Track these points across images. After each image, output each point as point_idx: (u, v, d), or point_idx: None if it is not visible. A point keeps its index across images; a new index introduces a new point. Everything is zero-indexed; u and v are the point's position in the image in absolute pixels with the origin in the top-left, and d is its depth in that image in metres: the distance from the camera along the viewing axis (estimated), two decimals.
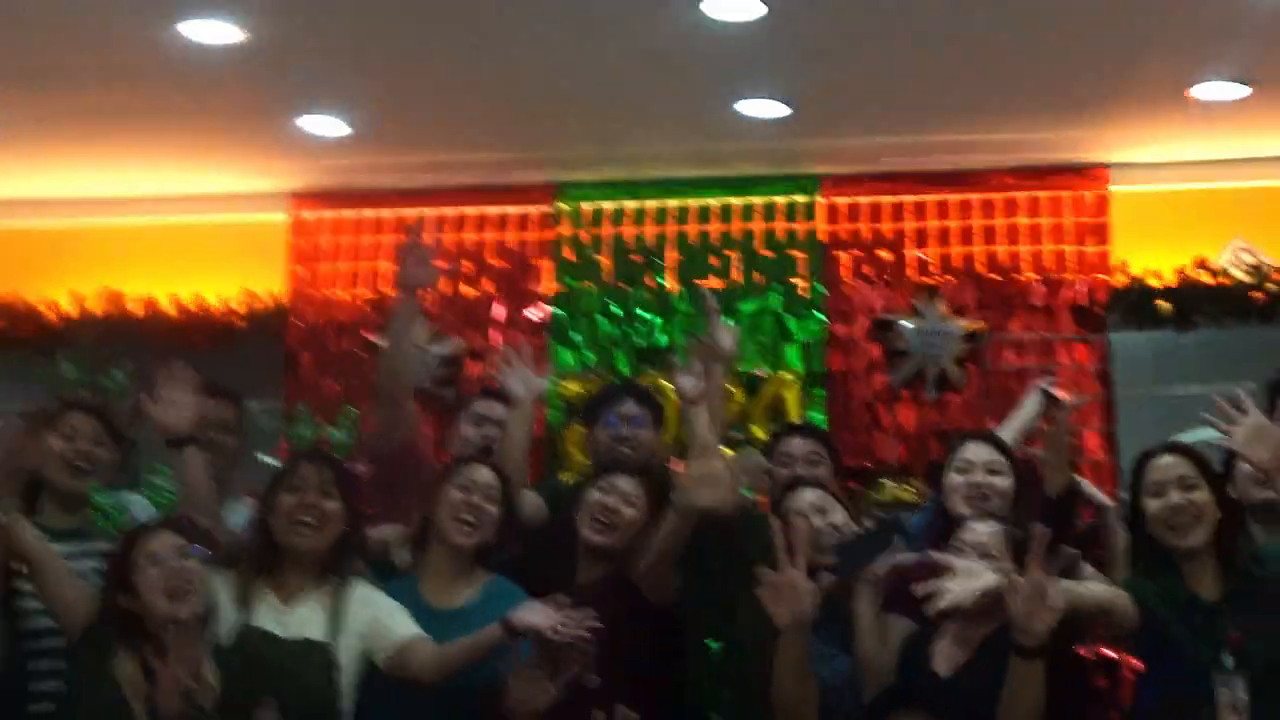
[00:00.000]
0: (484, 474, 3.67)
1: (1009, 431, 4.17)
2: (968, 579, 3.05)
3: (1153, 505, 3.29)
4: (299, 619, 3.37)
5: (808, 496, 3.65)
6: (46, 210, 6.27)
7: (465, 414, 4.47)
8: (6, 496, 3.49)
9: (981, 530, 3.30)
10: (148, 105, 5.25)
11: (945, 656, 3.24)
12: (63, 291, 6.23)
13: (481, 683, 3.31)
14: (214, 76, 4.86)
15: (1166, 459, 3.32)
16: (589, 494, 3.75)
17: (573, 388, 6.03)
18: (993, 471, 3.71)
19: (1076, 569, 3.37)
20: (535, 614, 3.22)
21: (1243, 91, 5.07)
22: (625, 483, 3.78)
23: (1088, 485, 4.22)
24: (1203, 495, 3.25)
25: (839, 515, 3.63)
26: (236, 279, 6.19)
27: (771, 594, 3.18)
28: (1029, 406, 4.30)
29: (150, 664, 3.11)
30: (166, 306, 6.19)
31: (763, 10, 4.32)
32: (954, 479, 3.71)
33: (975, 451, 3.78)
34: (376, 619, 3.40)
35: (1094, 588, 3.27)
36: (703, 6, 4.30)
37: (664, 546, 3.60)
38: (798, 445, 4.22)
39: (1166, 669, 3.23)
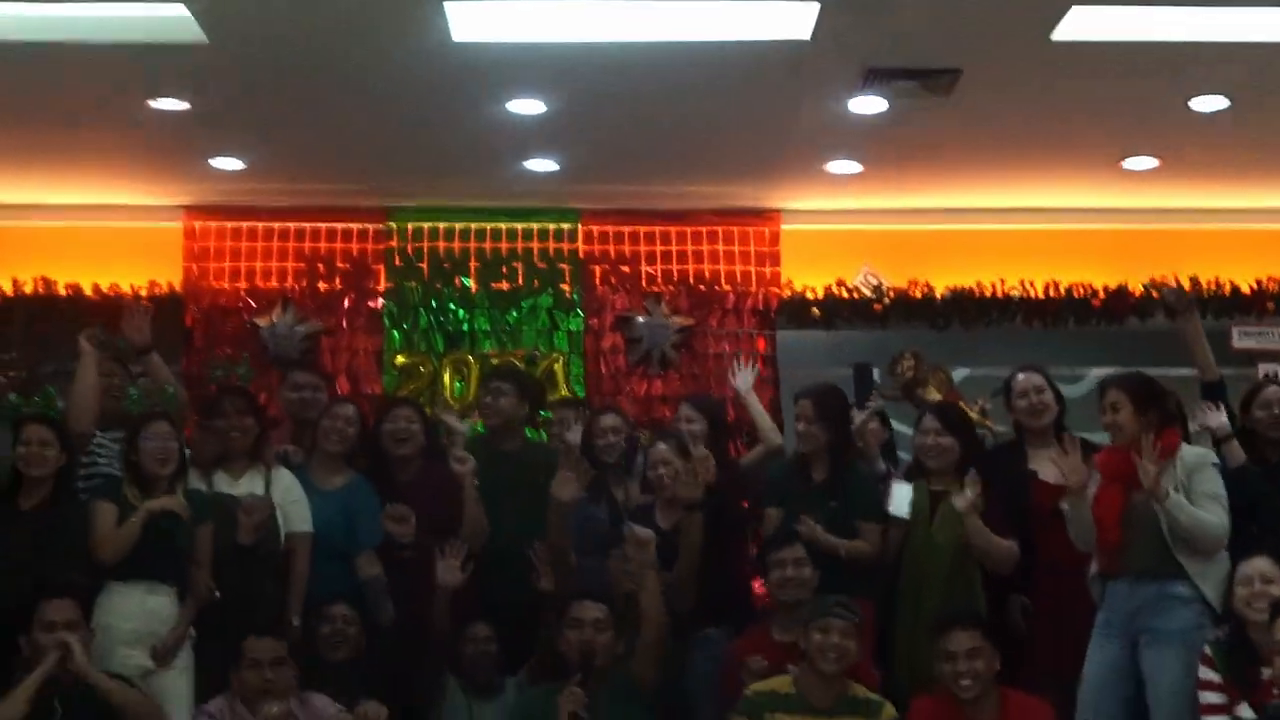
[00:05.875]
0: (348, 409, 5.65)
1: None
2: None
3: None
4: (245, 486, 5.30)
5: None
6: None
7: (285, 383, 6.04)
8: None
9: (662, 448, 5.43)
10: (97, 146, 6.71)
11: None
12: (4, 278, 7.58)
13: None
14: (159, 132, 6.42)
15: None
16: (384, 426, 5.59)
17: (399, 360, 7.69)
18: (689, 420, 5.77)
19: None
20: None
21: (859, 168, 7.09)
22: (405, 410, 5.65)
23: None
24: None
25: None
26: (144, 272, 7.63)
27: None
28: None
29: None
30: (88, 292, 7.56)
31: (543, 108, 6.19)
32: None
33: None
34: (286, 503, 5.30)
35: None
36: (508, 106, 6.13)
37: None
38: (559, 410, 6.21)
39: None
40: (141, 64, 5.61)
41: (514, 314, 7.83)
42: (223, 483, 5.32)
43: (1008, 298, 7.72)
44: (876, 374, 7.64)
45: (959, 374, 7.56)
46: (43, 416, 5.41)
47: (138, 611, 4.94)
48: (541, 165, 7.13)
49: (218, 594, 5.03)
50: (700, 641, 5.26)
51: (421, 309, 7.82)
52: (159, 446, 5.06)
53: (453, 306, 7.83)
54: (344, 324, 7.79)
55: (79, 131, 6.52)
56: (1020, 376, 5.56)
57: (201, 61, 5.57)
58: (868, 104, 6.16)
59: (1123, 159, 6.98)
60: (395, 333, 7.79)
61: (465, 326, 7.82)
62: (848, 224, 7.85)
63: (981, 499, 5.14)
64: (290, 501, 5.31)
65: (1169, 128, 6.48)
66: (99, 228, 7.67)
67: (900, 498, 5.31)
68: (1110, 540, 4.83)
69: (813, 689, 4.64)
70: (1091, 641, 4.92)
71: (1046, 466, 5.28)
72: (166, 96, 6.02)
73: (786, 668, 4.79)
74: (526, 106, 6.20)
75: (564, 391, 7.63)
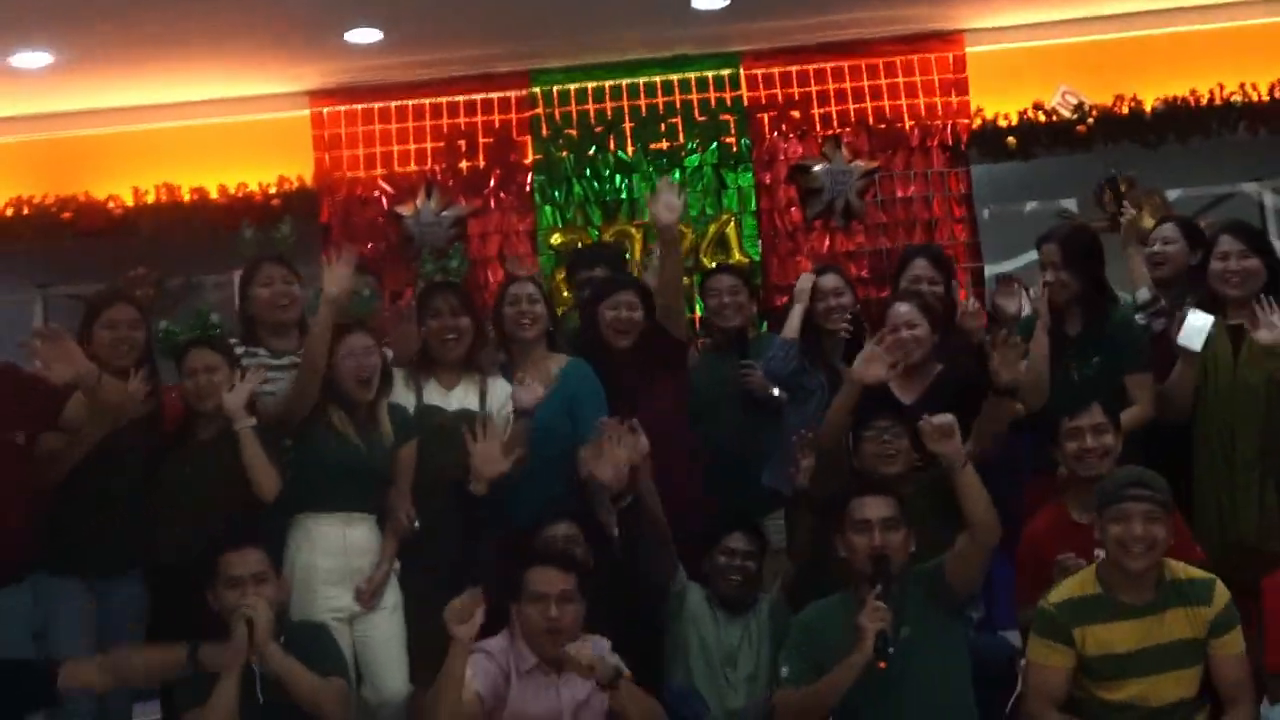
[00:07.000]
0: (527, 287, 4.80)
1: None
2: None
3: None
4: (458, 399, 4.63)
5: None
6: (108, 119, 6.96)
7: (501, 295, 4.99)
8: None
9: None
10: (225, 30, 6.08)
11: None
12: (125, 187, 6.98)
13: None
14: (294, 6, 5.80)
15: None
16: (603, 313, 4.82)
17: (555, 239, 7.03)
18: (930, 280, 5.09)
19: None
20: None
21: None
22: (628, 295, 4.85)
23: None
24: None
25: None
26: (272, 168, 6.99)
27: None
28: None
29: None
30: (214, 196, 6.96)
31: None
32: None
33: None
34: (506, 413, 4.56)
35: None
36: None
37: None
38: (723, 281, 5.36)
39: None
40: None
41: (677, 175, 7.06)
42: (433, 394, 4.63)
43: (1228, 104, 6.87)
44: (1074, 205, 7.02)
45: (1174, 196, 6.93)
46: (204, 339, 4.77)
47: (337, 546, 4.36)
48: (710, 2, 6.36)
49: (417, 524, 4.40)
50: None
51: (575, 179, 7.10)
52: (358, 365, 4.40)
53: (608, 173, 7.11)
54: (492, 204, 7.10)
55: (199, 16, 5.89)
56: None
57: None
58: None
59: None
60: (548, 208, 7.09)
61: (624, 194, 7.10)
62: (1041, 39, 7.02)
63: None
64: (502, 409, 4.61)
65: None
66: (220, 124, 7.07)
67: (1194, 327, 4.49)
68: None
69: (1122, 584, 3.83)
70: None
71: None
72: None
73: (1094, 554, 4.02)
74: None
75: (737, 255, 6.97)
